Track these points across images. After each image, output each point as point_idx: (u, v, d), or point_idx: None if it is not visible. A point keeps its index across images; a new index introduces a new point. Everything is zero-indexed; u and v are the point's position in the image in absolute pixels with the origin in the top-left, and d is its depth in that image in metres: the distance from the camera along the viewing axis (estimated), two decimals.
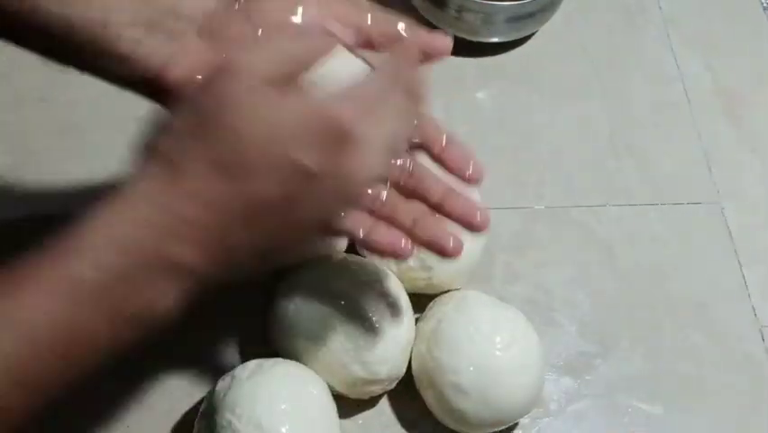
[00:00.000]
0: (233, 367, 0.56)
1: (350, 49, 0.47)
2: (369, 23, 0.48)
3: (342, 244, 0.63)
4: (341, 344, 0.56)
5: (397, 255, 0.47)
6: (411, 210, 0.48)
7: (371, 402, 0.60)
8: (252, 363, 0.56)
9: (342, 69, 0.46)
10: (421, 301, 0.61)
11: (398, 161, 0.47)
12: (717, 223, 0.71)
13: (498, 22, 0.75)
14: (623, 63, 0.79)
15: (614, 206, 0.71)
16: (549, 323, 0.65)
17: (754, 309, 0.67)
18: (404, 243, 0.47)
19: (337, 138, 0.40)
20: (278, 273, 0.60)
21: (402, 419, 0.60)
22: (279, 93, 0.41)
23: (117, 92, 0.49)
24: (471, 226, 0.49)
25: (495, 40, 0.77)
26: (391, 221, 0.47)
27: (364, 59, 0.48)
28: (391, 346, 0.57)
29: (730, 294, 0.68)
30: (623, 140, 0.75)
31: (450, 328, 0.57)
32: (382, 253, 0.47)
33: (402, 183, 0.48)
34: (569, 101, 0.77)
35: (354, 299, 0.57)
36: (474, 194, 0.57)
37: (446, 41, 0.48)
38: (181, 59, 0.46)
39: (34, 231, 0.40)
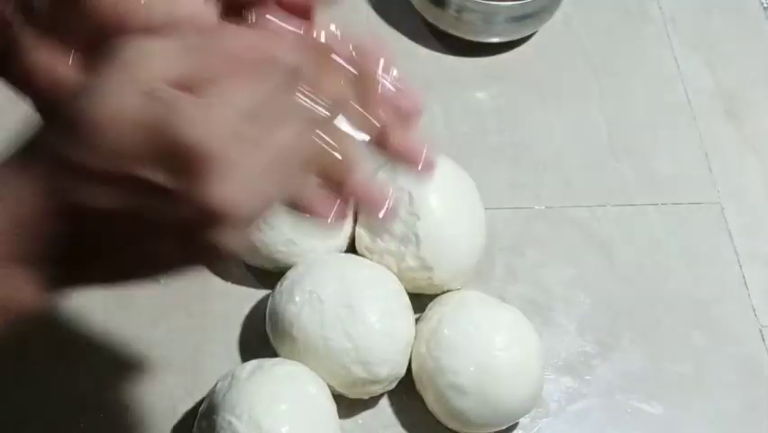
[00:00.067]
0: (232, 367, 0.56)
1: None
2: None
3: (343, 244, 0.63)
4: (341, 344, 0.56)
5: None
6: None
7: (371, 402, 0.60)
8: (252, 363, 0.56)
9: None
10: (421, 301, 0.61)
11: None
12: (717, 223, 0.71)
13: (498, 22, 0.75)
14: (623, 63, 0.79)
15: (613, 206, 0.71)
16: (549, 323, 0.65)
17: (754, 309, 0.67)
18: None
19: (187, 161, 0.30)
20: (279, 273, 0.60)
21: (402, 419, 0.60)
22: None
23: None
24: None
25: (495, 40, 0.77)
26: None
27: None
28: (391, 347, 0.57)
29: (730, 294, 0.68)
30: (623, 140, 0.75)
31: (450, 328, 0.57)
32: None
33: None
34: (569, 101, 0.77)
35: (354, 298, 0.57)
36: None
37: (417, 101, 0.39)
38: None
39: None
